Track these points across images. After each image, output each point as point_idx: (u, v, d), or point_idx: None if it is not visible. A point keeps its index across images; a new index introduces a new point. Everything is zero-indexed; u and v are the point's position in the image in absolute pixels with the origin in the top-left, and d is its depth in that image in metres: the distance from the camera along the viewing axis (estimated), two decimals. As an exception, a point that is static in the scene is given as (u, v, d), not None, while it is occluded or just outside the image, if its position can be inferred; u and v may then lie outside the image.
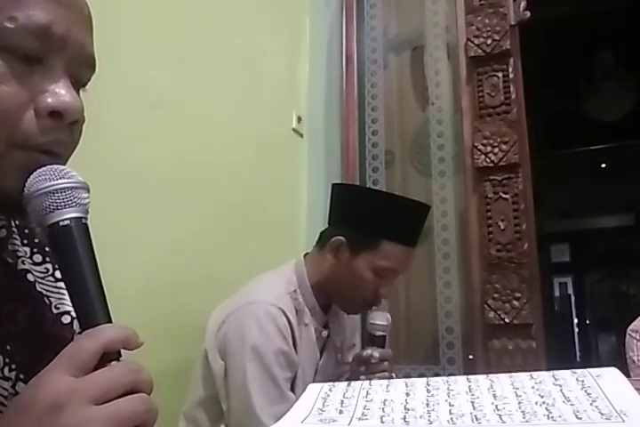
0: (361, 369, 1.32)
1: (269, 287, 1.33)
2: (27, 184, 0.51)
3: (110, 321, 0.50)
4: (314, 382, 1.37)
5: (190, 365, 1.39)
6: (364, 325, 1.50)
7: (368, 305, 1.38)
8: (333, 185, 1.43)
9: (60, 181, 0.51)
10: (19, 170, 0.52)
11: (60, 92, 0.53)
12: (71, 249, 0.50)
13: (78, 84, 0.58)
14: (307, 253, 1.44)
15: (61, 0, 0.54)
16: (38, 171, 0.52)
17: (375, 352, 1.31)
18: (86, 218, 0.53)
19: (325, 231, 1.41)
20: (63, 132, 0.54)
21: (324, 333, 1.41)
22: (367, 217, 1.33)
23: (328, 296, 1.39)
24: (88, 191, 0.54)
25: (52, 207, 0.51)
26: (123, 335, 0.48)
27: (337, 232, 1.36)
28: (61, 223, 0.50)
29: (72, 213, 0.51)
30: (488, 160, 1.90)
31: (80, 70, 0.57)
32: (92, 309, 0.49)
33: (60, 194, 0.51)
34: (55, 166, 0.52)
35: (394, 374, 1.36)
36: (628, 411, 0.52)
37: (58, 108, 0.53)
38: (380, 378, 1.30)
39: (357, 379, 1.32)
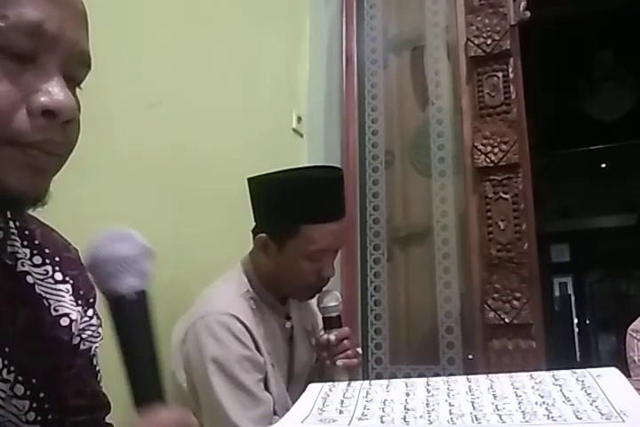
0: (324, 355, 1.32)
1: (219, 295, 1.31)
2: (92, 244, 0.50)
3: (163, 398, 0.48)
4: (290, 372, 1.37)
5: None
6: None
7: (317, 288, 1.35)
8: (247, 180, 1.38)
9: (124, 246, 0.50)
10: (13, 166, 0.51)
11: (52, 91, 0.52)
12: (129, 319, 0.49)
13: (73, 82, 0.57)
14: (251, 252, 1.41)
15: None
16: (106, 233, 0.51)
17: (331, 335, 1.30)
18: (147, 288, 0.51)
19: (253, 230, 1.38)
20: (56, 131, 0.53)
21: (288, 324, 1.39)
22: (278, 207, 1.29)
23: (278, 289, 1.37)
24: (152, 258, 0.53)
25: (113, 274, 0.50)
26: (182, 423, 0.47)
27: (259, 229, 1.34)
28: (121, 291, 0.49)
29: (133, 282, 0.50)
30: (488, 160, 1.90)
31: (74, 68, 0.56)
32: (146, 384, 0.48)
33: (122, 261, 0.50)
34: (122, 230, 0.51)
35: (359, 350, 1.35)
36: (628, 411, 0.52)
37: (51, 108, 0.52)
38: (344, 358, 1.30)
39: (324, 365, 1.31)
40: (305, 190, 1.27)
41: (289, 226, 1.28)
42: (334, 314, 1.33)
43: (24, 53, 0.52)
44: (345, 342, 1.31)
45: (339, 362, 1.29)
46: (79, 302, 0.68)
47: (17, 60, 0.51)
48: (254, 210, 1.37)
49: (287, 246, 1.29)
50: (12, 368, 0.55)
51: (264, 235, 1.32)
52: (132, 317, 0.49)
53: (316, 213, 1.27)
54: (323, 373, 1.35)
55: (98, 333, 0.70)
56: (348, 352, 1.31)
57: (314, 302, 1.45)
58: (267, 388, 1.27)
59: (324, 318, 1.35)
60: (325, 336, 1.31)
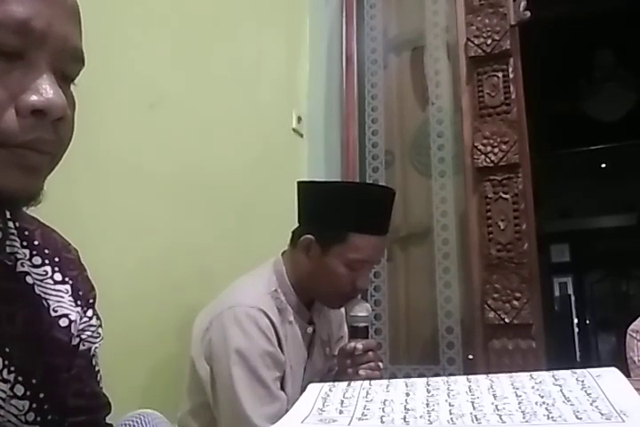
0: (347, 362, 1.32)
1: (249, 289, 1.33)
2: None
3: None
4: (303, 377, 1.37)
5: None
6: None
7: (348, 298, 1.37)
8: (298, 184, 1.42)
9: None
10: (4, 167, 0.50)
11: (42, 89, 0.51)
12: None
13: (67, 78, 0.56)
14: (284, 252, 1.43)
15: None
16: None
17: (358, 344, 1.31)
18: None
19: (296, 231, 1.40)
20: (46, 129, 0.52)
21: (309, 329, 1.40)
22: (331, 212, 1.32)
23: (308, 293, 1.38)
24: None
25: None
26: None
27: (305, 231, 1.36)
28: None
29: None
30: (488, 160, 1.90)
31: (65, 64, 0.55)
32: None
33: None
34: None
35: (380, 364, 1.36)
36: (628, 411, 0.52)
37: (39, 107, 0.51)
38: (367, 369, 1.31)
39: (345, 373, 1.31)
40: (359, 201, 1.32)
41: (338, 231, 1.31)
42: (362, 324, 1.35)
43: (12, 51, 0.51)
44: (370, 353, 1.32)
45: (361, 371, 1.29)
46: (78, 302, 0.68)
47: (5, 57, 0.51)
48: (301, 212, 1.40)
49: (331, 251, 1.32)
50: (12, 369, 0.56)
51: (311, 236, 1.34)
52: None
53: (365, 223, 1.32)
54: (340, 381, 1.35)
55: (97, 333, 0.70)
56: (372, 364, 1.31)
57: (332, 313, 1.47)
58: (282, 387, 1.27)
59: (351, 327, 1.36)
60: (352, 344, 1.31)
